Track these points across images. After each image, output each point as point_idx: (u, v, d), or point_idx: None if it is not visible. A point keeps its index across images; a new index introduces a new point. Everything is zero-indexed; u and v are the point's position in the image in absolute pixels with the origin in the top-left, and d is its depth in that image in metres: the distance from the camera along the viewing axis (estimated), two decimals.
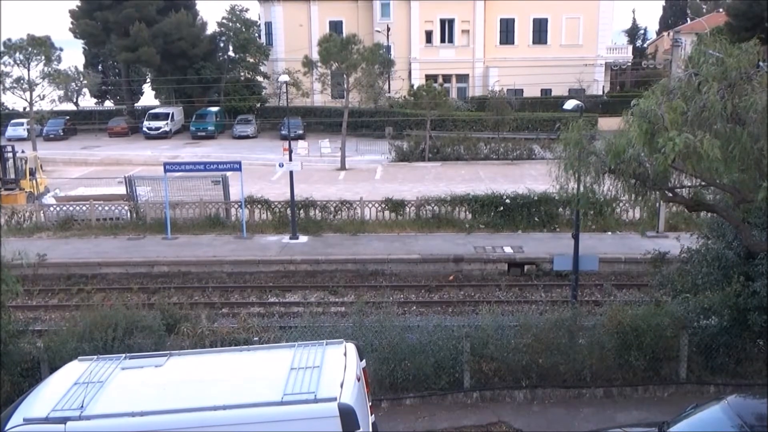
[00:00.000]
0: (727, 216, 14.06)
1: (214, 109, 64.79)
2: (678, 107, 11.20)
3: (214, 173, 32.04)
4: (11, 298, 13.58)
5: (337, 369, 10.37)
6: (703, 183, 13.18)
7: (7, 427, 9.90)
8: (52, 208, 32.62)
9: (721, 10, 69.09)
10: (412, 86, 60.88)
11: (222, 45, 68.97)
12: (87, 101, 76.18)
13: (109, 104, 78.56)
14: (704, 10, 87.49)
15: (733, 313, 14.42)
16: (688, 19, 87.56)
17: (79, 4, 64.57)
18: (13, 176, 36.85)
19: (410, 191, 36.92)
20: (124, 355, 11.45)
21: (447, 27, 69.04)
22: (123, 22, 61.97)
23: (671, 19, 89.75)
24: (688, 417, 11.13)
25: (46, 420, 9.69)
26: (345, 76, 47.12)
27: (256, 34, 69.21)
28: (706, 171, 11.57)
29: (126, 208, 32.40)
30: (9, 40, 47.30)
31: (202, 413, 9.57)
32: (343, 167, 47.51)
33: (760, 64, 11.79)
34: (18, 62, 46.91)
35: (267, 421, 9.55)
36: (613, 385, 14.80)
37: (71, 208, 32.30)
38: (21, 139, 55.55)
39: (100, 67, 76.88)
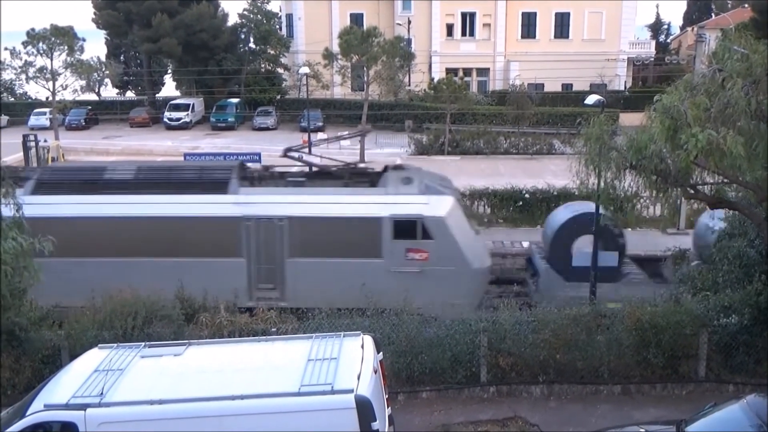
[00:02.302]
0: (750, 214, 13.94)
1: (235, 100, 64.90)
2: (701, 103, 11.11)
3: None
4: (33, 284, 13.73)
5: (354, 361, 10.41)
6: (725, 180, 13.07)
7: (28, 413, 10.04)
8: None
9: (746, 5, 68.21)
10: (432, 79, 60.71)
11: (243, 37, 69.02)
12: (109, 91, 76.63)
13: (130, 95, 78.94)
14: (729, 6, 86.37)
15: (753, 312, 14.31)
16: (713, 14, 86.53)
17: None
18: (35, 165, 37.28)
19: None
20: (143, 343, 11.57)
21: (468, 20, 68.66)
22: (145, 13, 62.23)
23: (695, 14, 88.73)
24: (707, 415, 11.08)
25: (66, 406, 9.81)
26: (365, 68, 47.13)
27: (277, 26, 69.25)
28: (728, 168, 11.48)
29: None
30: (33, 29, 47.59)
31: (220, 402, 9.65)
32: (362, 160, 47.44)
33: None
34: (41, 52, 47.19)
35: (284, 412, 9.62)
36: (631, 382, 14.75)
37: None
38: (43, 129, 55.95)
39: (122, 58, 77.18)
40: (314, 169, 22.94)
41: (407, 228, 19.46)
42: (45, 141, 39.39)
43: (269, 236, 19.72)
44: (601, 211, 21.13)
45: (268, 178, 21.26)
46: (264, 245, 19.77)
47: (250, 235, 19.74)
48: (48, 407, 9.93)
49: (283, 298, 19.65)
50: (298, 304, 18.45)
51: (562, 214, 22.51)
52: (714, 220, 18.69)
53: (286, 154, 22.85)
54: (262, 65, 68.52)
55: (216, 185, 20.20)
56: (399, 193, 19.93)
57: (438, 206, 19.72)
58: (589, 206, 22.71)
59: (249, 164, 23.87)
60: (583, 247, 21.38)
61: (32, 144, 37.54)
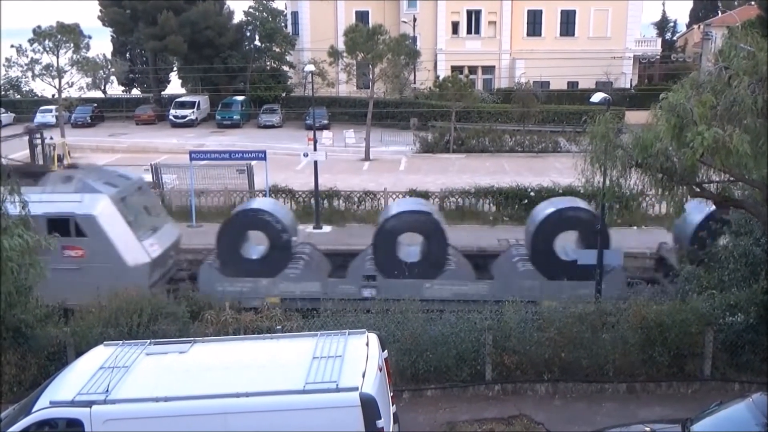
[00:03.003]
0: (756, 212, 13.89)
1: (240, 98, 64.96)
2: (707, 101, 11.08)
3: (239, 162, 32.22)
4: (38, 282, 13.81)
5: (359, 359, 10.42)
6: (731, 178, 13.03)
7: (33, 410, 10.07)
8: None
9: (752, 3, 67.95)
10: (437, 77, 60.60)
11: (248, 34, 69.02)
12: (114, 89, 76.72)
13: (136, 92, 79.04)
14: (736, 3, 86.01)
15: (759, 311, 14.28)
16: (719, 12, 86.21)
17: None
18: (41, 162, 37.35)
19: (434, 183, 36.80)
20: (148, 340, 11.60)
21: (474, 18, 68.58)
22: (151, 11, 62.34)
23: (702, 11, 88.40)
24: (712, 414, 11.05)
25: (72, 403, 9.84)
26: (370, 66, 47.00)
27: (283, 24, 69.23)
28: (735, 166, 11.45)
29: None
30: (39, 27, 47.68)
31: (225, 400, 9.67)
32: (367, 158, 47.48)
33: None
34: (47, 49, 47.26)
35: (289, 409, 9.63)
36: (636, 380, 14.73)
37: None
38: (49, 126, 56.11)
39: (127, 55, 77.24)
40: None
41: (61, 226, 19.93)
42: (51, 138, 39.46)
43: None
44: (266, 207, 22.20)
45: None
46: None
47: None
48: (53, 404, 9.97)
49: None
50: None
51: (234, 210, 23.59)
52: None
53: None
54: (268, 63, 68.57)
55: None
56: (55, 191, 20.68)
57: (91, 205, 20.49)
58: (264, 203, 24.00)
59: None
60: (252, 242, 22.43)
61: (38, 141, 37.61)
